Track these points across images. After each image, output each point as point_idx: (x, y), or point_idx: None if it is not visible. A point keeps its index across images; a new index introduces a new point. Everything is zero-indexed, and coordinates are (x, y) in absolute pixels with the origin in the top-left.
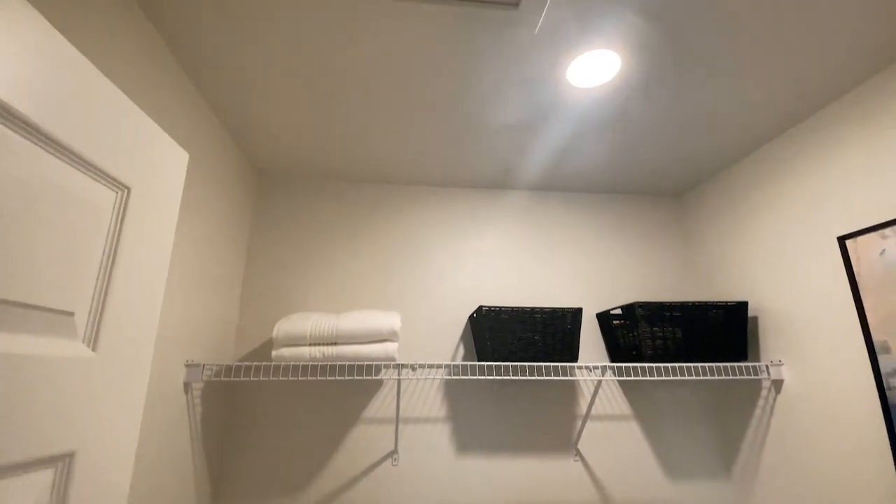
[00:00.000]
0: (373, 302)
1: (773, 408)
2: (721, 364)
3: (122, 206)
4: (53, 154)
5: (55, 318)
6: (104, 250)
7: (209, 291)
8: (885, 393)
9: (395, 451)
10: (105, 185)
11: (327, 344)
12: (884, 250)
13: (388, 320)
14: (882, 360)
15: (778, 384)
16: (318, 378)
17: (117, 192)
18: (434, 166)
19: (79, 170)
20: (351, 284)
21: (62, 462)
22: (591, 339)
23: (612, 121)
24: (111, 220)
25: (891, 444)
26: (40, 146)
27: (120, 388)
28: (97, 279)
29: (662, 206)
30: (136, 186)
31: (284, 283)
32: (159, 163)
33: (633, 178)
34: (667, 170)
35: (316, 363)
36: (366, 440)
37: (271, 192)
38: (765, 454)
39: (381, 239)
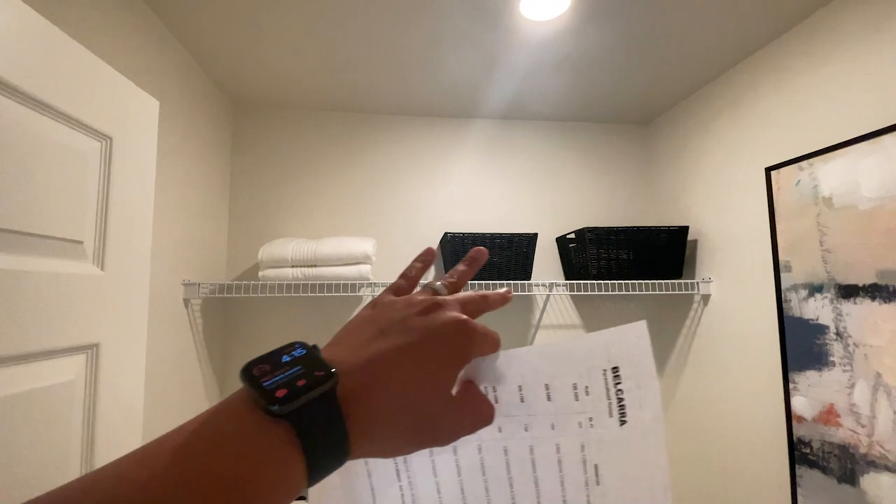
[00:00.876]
0: (351, 228)
1: (700, 318)
2: (658, 281)
3: (108, 153)
4: (46, 115)
5: (70, 246)
6: (99, 191)
7: (199, 220)
8: (781, 305)
9: None
10: (91, 136)
11: (307, 266)
12: (799, 181)
13: (361, 245)
14: (784, 276)
15: (706, 298)
16: (302, 295)
17: (101, 142)
18: (397, 94)
19: (67, 125)
20: (330, 212)
21: (91, 350)
22: (550, 260)
23: (569, 51)
24: (100, 165)
25: (780, 348)
26: (37, 111)
27: (127, 297)
28: (97, 215)
29: (628, 135)
30: (116, 136)
31: (267, 211)
32: (134, 113)
33: (598, 106)
34: (629, 99)
35: (298, 282)
36: None
37: (249, 125)
38: (690, 357)
39: (357, 168)
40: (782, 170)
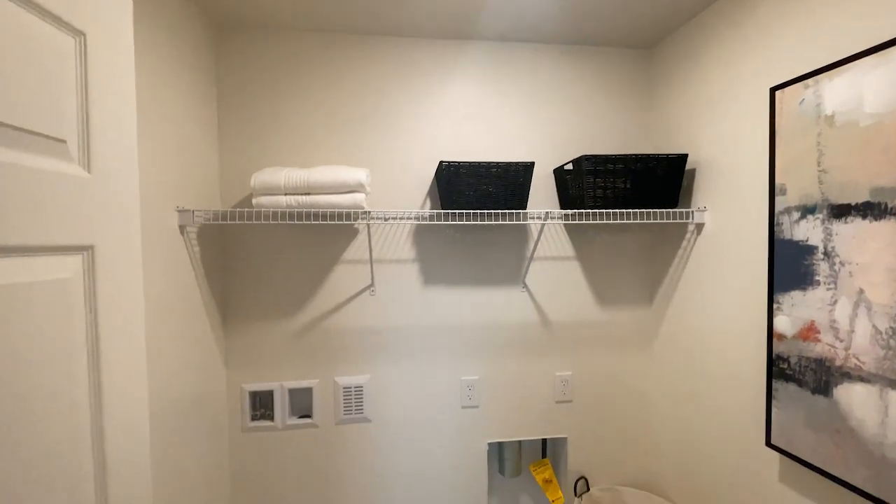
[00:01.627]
0: (344, 157)
1: (692, 248)
2: (653, 210)
3: (83, 50)
4: (16, 3)
5: (54, 144)
6: (77, 89)
7: (189, 150)
8: (773, 229)
9: (372, 285)
10: (64, 31)
11: (301, 193)
12: (803, 100)
13: (355, 173)
14: (778, 200)
15: (700, 227)
16: (296, 222)
17: (75, 38)
18: (391, 13)
19: (38, 17)
20: (321, 141)
21: (87, 252)
22: (547, 192)
23: None
24: (76, 63)
25: (769, 271)
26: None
27: (117, 201)
28: (77, 114)
29: (631, 60)
30: (90, 33)
31: (258, 139)
32: (106, 10)
33: (599, 28)
34: (631, 20)
35: (293, 210)
36: (347, 276)
37: (233, 49)
38: (679, 286)
39: (349, 94)
40: (787, 89)
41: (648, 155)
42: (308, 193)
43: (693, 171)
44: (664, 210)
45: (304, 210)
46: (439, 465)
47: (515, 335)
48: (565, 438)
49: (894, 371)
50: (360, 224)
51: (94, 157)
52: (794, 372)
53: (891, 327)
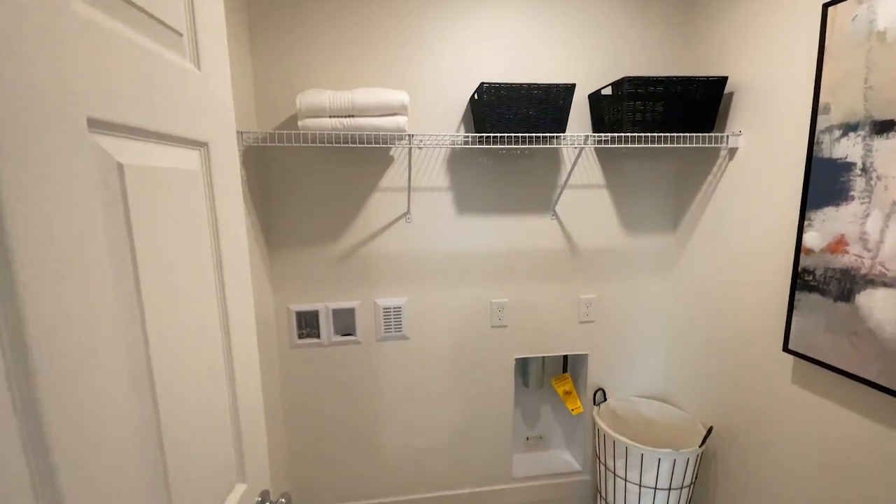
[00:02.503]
0: (381, 78)
1: (723, 174)
2: (690, 135)
3: None
4: None
5: (174, 38)
6: None
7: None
8: (812, 148)
9: (408, 213)
10: None
11: (345, 116)
12: (856, 16)
13: (398, 95)
14: (821, 119)
15: (733, 152)
16: (341, 145)
17: None
18: None
19: None
20: (356, 62)
21: (203, 148)
22: (581, 119)
23: None
24: None
25: (803, 190)
26: None
27: (220, 102)
28: (185, 6)
29: None
30: None
31: (291, 62)
32: None
33: None
34: None
35: (338, 132)
36: (383, 204)
37: None
38: (705, 214)
39: (384, 11)
40: (840, 5)
41: (689, 77)
42: (352, 116)
43: (730, 94)
44: (700, 135)
45: (349, 133)
46: (470, 379)
47: (543, 261)
48: (586, 355)
49: None
50: (397, 151)
51: (201, 54)
52: (819, 283)
53: None
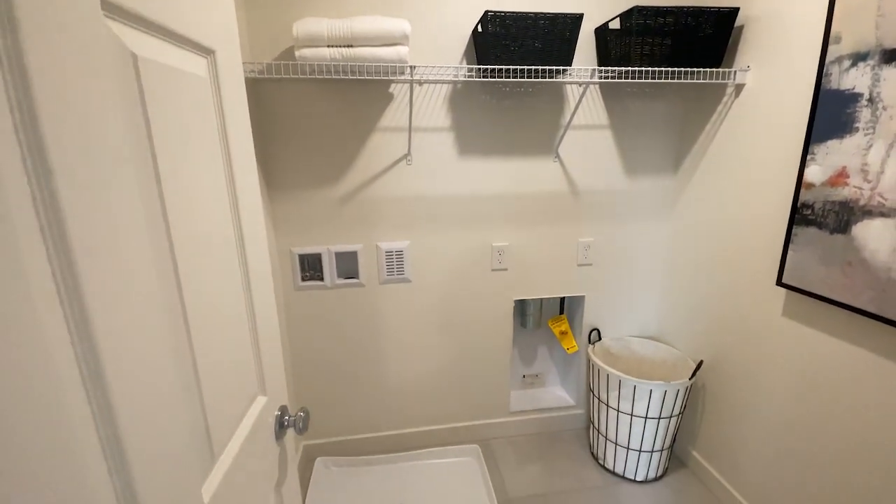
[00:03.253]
0: (380, 6)
1: (728, 111)
2: (699, 70)
3: None
4: None
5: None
6: None
7: None
8: (821, 80)
9: (408, 154)
10: None
11: (344, 46)
12: None
13: (399, 23)
14: (831, 49)
15: (739, 88)
16: (340, 76)
17: None
18: None
19: None
20: None
21: (210, 56)
22: (587, 55)
23: None
24: None
25: (808, 122)
26: None
27: (223, 7)
28: None
29: None
30: None
31: None
32: None
33: None
34: None
35: (336, 63)
36: (383, 144)
37: None
38: (707, 155)
39: None
40: None
41: (700, 8)
42: (351, 45)
43: (740, 28)
44: (709, 70)
45: (349, 64)
46: (471, 320)
47: (544, 204)
48: (583, 297)
49: None
50: (396, 88)
51: None
52: (817, 216)
53: None
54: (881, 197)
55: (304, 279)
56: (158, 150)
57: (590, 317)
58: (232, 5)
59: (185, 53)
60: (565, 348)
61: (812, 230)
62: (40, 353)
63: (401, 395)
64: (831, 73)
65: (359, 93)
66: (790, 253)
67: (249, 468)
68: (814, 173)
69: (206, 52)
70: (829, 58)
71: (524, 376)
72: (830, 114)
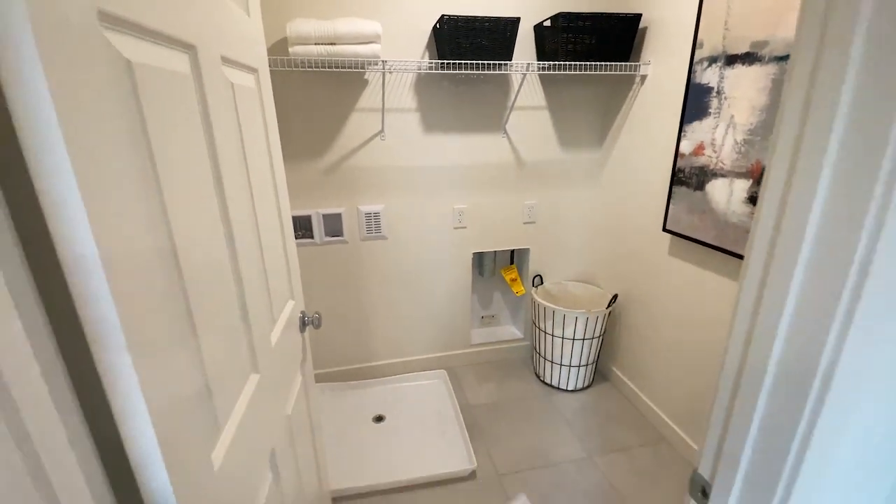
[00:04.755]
0: (351, 8)
1: (636, 97)
2: (612, 63)
3: None
4: None
5: None
6: None
7: None
8: (690, 76)
9: (382, 131)
10: None
11: (328, 43)
12: None
13: (372, 25)
14: (697, 52)
15: (644, 78)
16: (326, 70)
17: None
18: None
19: None
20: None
21: (255, 72)
22: (529, 47)
23: None
24: None
25: (682, 108)
26: None
27: (258, 38)
28: None
29: None
30: None
31: None
32: None
33: None
34: None
35: (322, 59)
36: (361, 123)
37: None
38: (622, 132)
39: None
40: None
41: (611, 14)
42: (333, 43)
43: (644, 30)
44: (619, 63)
45: (333, 59)
46: (437, 269)
47: (495, 172)
48: (528, 249)
49: (739, 167)
50: (371, 75)
51: (249, 4)
52: (686, 178)
53: (744, 139)
54: (721, 163)
55: (297, 237)
56: (245, 139)
57: (534, 265)
58: (262, 37)
59: (244, 74)
60: (515, 292)
61: (683, 189)
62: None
63: (383, 331)
64: (696, 71)
65: (339, 80)
66: (671, 206)
67: (286, 348)
68: (685, 146)
69: (253, 71)
70: (696, 59)
71: (482, 317)
72: (695, 102)
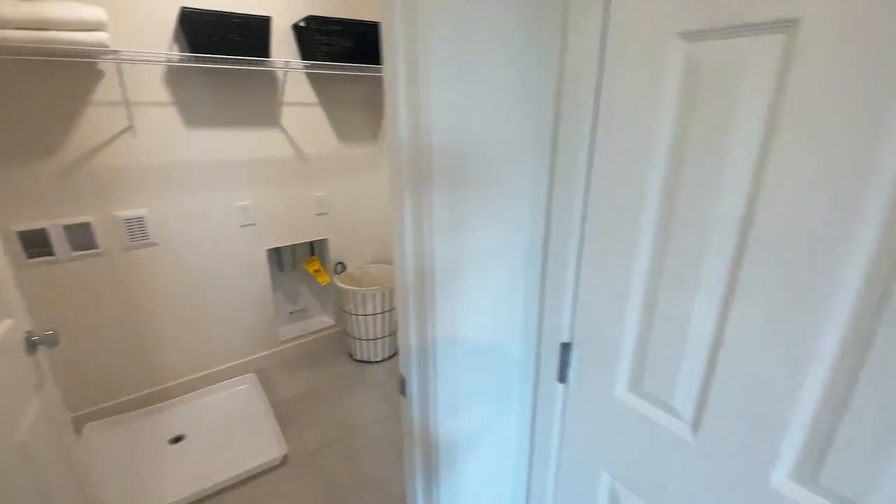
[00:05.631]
0: None
1: None
2: (369, 65)
3: None
4: None
5: None
6: None
7: None
8: None
9: (132, 126)
10: None
11: (36, 29)
12: None
13: (93, 10)
14: None
15: None
16: (36, 58)
17: None
18: None
19: None
20: None
21: None
22: (291, 47)
23: None
24: None
25: None
26: None
27: None
28: None
29: None
30: None
31: None
32: None
33: None
34: None
35: (27, 45)
36: (100, 118)
37: None
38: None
39: None
40: None
41: (361, 21)
42: (45, 29)
43: None
44: (377, 66)
45: (45, 46)
46: (228, 272)
47: (279, 166)
48: (326, 239)
49: None
50: (105, 65)
51: None
52: None
53: None
54: None
55: (30, 256)
56: None
57: (335, 254)
58: None
59: None
60: (320, 282)
61: None
62: None
63: (173, 347)
64: None
65: (63, 70)
66: None
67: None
68: None
69: None
70: None
71: (291, 312)
72: None
